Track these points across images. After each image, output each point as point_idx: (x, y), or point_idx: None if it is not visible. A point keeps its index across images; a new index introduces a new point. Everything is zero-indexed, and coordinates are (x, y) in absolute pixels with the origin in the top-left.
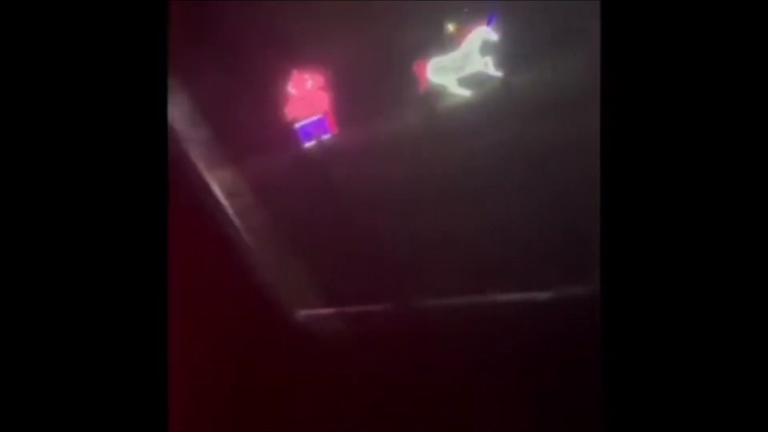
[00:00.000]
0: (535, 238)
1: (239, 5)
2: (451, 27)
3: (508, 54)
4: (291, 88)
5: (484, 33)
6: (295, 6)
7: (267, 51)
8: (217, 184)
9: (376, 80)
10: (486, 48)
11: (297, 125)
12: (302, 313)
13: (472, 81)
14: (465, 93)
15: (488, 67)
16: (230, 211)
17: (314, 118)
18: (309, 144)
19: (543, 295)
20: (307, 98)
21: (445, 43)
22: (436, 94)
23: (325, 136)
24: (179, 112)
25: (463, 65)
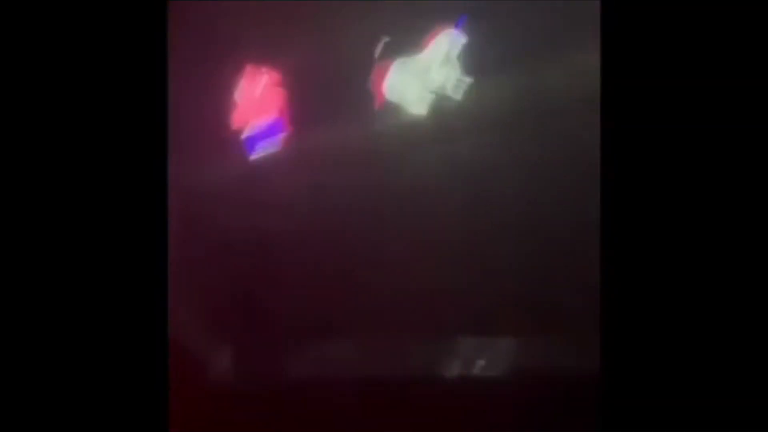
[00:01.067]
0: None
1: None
2: (377, 51)
3: (480, 59)
4: (244, 86)
5: (452, 36)
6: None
7: (215, 50)
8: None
9: (333, 83)
10: (454, 52)
11: (247, 128)
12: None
13: (440, 87)
14: (430, 100)
15: (456, 72)
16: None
17: (266, 119)
18: (260, 149)
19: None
20: (258, 99)
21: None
22: (398, 101)
23: (278, 138)
24: None
25: (428, 71)
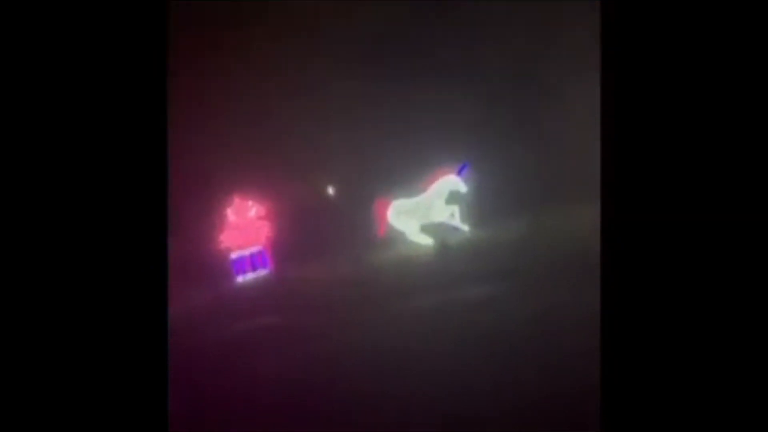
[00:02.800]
0: None
1: (187, 127)
2: (330, 189)
3: (478, 207)
4: (231, 215)
5: (452, 182)
6: (251, 129)
7: (210, 174)
8: None
9: (327, 217)
10: (453, 198)
11: (233, 255)
12: None
13: (437, 230)
14: (427, 241)
15: (454, 218)
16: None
17: (252, 249)
18: (242, 277)
19: None
20: (247, 227)
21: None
22: (393, 239)
23: (260, 271)
24: None
25: (427, 213)
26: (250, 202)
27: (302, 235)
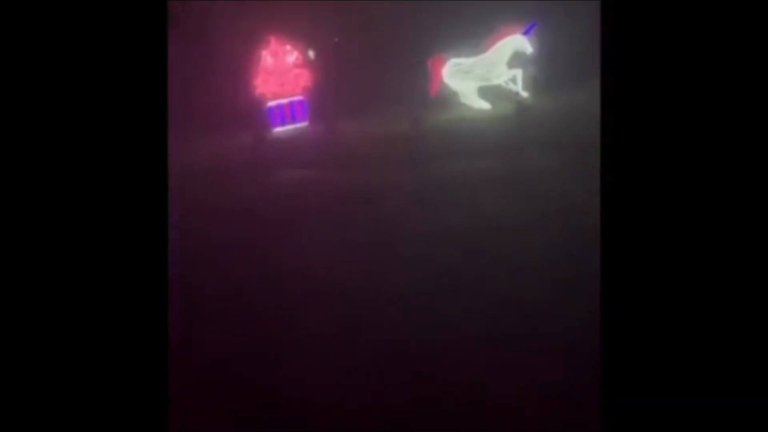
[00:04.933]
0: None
1: None
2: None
3: (543, 73)
4: (267, 58)
5: (518, 42)
6: None
7: (246, 13)
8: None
9: (375, 69)
10: (517, 60)
11: (269, 104)
12: None
13: (496, 94)
14: (484, 106)
15: (516, 82)
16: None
17: (291, 99)
18: (278, 129)
19: None
20: (285, 74)
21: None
22: (446, 100)
23: (298, 124)
24: None
25: (486, 74)
26: (288, 47)
27: (345, 88)
